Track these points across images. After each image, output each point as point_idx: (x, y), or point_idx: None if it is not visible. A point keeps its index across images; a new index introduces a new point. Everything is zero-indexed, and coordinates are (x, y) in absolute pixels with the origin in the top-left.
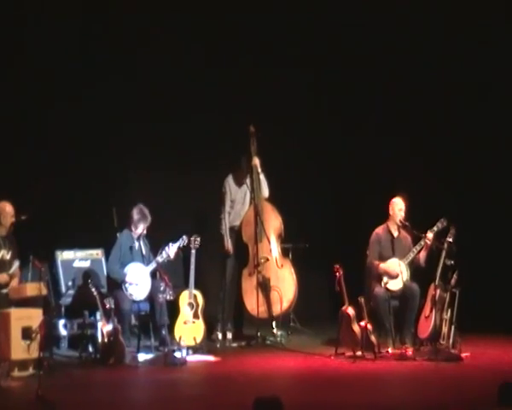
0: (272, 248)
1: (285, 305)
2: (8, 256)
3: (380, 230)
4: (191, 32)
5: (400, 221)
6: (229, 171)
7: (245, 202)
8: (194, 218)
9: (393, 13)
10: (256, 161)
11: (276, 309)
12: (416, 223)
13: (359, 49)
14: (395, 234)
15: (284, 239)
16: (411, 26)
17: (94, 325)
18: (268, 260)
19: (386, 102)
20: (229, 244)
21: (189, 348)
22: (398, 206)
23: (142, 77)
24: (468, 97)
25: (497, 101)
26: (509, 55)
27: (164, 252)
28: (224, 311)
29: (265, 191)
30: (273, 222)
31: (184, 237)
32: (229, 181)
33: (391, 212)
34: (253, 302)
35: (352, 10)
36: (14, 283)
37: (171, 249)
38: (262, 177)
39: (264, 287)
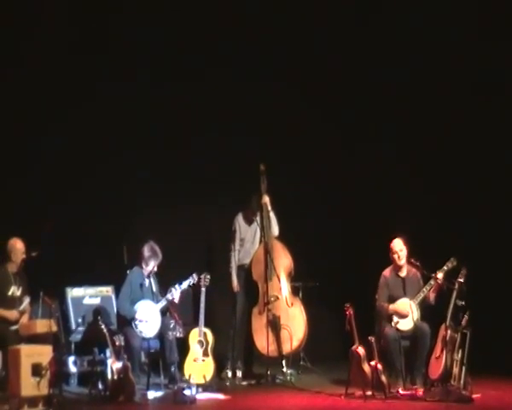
0: (282, 286)
1: (295, 344)
2: (18, 293)
3: (387, 272)
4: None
5: (410, 261)
6: (239, 209)
7: (255, 240)
8: (205, 255)
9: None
10: (266, 200)
11: (287, 348)
12: (425, 261)
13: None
14: (403, 274)
15: (294, 278)
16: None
17: (104, 362)
18: (278, 298)
19: (397, 139)
20: (235, 283)
21: (198, 386)
22: (394, 249)
23: (153, 111)
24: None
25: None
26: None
27: (174, 290)
28: (233, 349)
29: (275, 230)
30: (283, 260)
31: (194, 274)
32: (239, 219)
33: (393, 256)
34: (263, 341)
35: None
36: (25, 319)
37: (175, 292)
38: (272, 215)
39: (275, 326)
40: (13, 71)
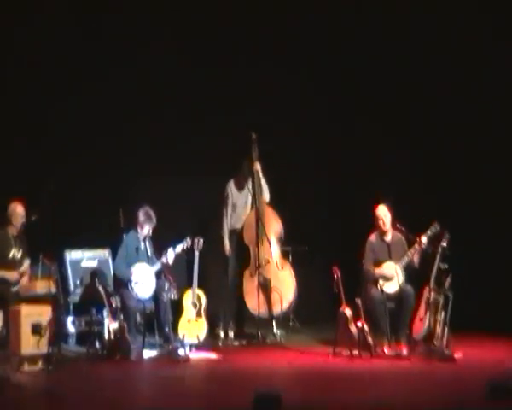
0: (273, 250)
1: (285, 305)
2: (18, 255)
3: (373, 237)
4: (198, 42)
5: (395, 226)
6: (231, 175)
7: (246, 205)
8: (198, 220)
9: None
10: (257, 167)
11: (277, 309)
12: (409, 226)
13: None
14: (388, 239)
15: (284, 242)
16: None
17: (101, 323)
18: (269, 262)
19: (386, 109)
20: (227, 246)
21: (191, 345)
22: (379, 215)
23: (151, 83)
24: (461, 99)
25: (488, 105)
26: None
27: (168, 253)
28: (225, 310)
29: (266, 196)
30: (273, 225)
31: (188, 238)
32: (231, 185)
33: (378, 221)
34: (254, 302)
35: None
36: (25, 280)
37: (176, 250)
38: (263, 182)
39: (265, 288)
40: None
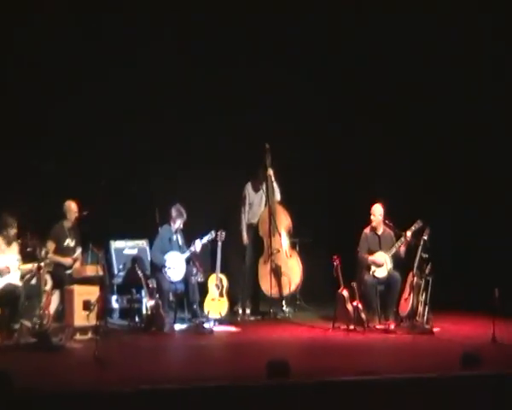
0: (283, 241)
1: (293, 287)
2: (72, 244)
3: (367, 230)
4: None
5: (385, 222)
6: (248, 179)
7: (261, 204)
8: (221, 216)
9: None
10: (270, 172)
11: (286, 291)
12: (397, 223)
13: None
14: (379, 232)
15: (292, 235)
16: None
17: (140, 300)
18: (279, 251)
19: (385, 111)
20: (245, 238)
21: (215, 320)
22: (374, 212)
23: (183, 86)
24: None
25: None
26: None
27: (196, 243)
28: (243, 291)
29: (278, 196)
30: (283, 221)
31: (213, 231)
32: (248, 187)
33: (371, 217)
34: (267, 285)
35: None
36: (77, 265)
37: (202, 241)
38: (275, 184)
39: (276, 273)
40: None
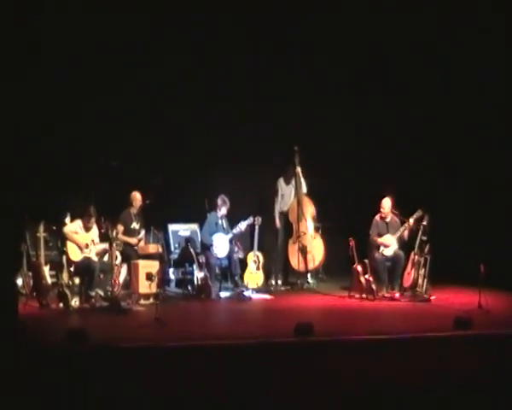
0: (308, 226)
1: (316, 263)
2: (137, 227)
3: (377, 217)
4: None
5: (392, 211)
6: (280, 174)
7: (291, 195)
8: (258, 204)
9: None
10: (298, 169)
11: (310, 266)
12: (403, 211)
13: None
14: (387, 220)
15: (316, 220)
16: None
17: (192, 273)
18: (305, 233)
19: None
20: (278, 223)
21: (253, 289)
22: (383, 205)
23: (233, 87)
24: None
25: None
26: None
27: (238, 227)
28: (276, 266)
29: (304, 189)
30: (309, 209)
31: (251, 217)
32: (281, 181)
33: (381, 209)
34: (295, 261)
35: None
36: (141, 244)
37: (243, 225)
38: (302, 180)
39: (303, 251)
40: None
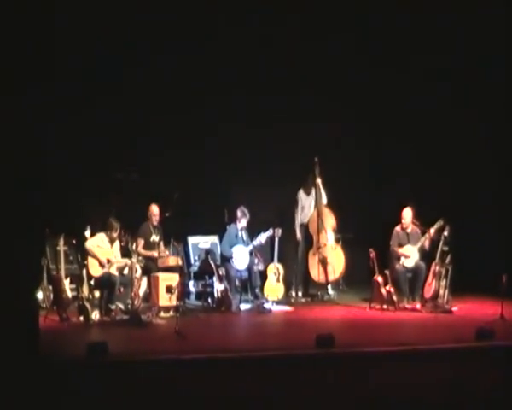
0: (329, 237)
1: (337, 275)
2: (157, 239)
3: (398, 228)
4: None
5: (413, 222)
6: (300, 186)
7: (311, 206)
8: (278, 216)
9: None
10: (318, 181)
11: (331, 277)
12: (424, 221)
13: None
14: (408, 230)
15: (337, 231)
16: None
17: (212, 285)
18: (325, 245)
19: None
20: (298, 234)
21: (273, 301)
22: (405, 216)
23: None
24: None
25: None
26: None
27: (258, 239)
28: (296, 278)
29: (324, 200)
30: (329, 220)
31: (271, 229)
32: (301, 193)
33: (402, 220)
34: (315, 272)
35: None
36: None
37: (263, 237)
38: (322, 191)
39: (323, 262)
40: None
